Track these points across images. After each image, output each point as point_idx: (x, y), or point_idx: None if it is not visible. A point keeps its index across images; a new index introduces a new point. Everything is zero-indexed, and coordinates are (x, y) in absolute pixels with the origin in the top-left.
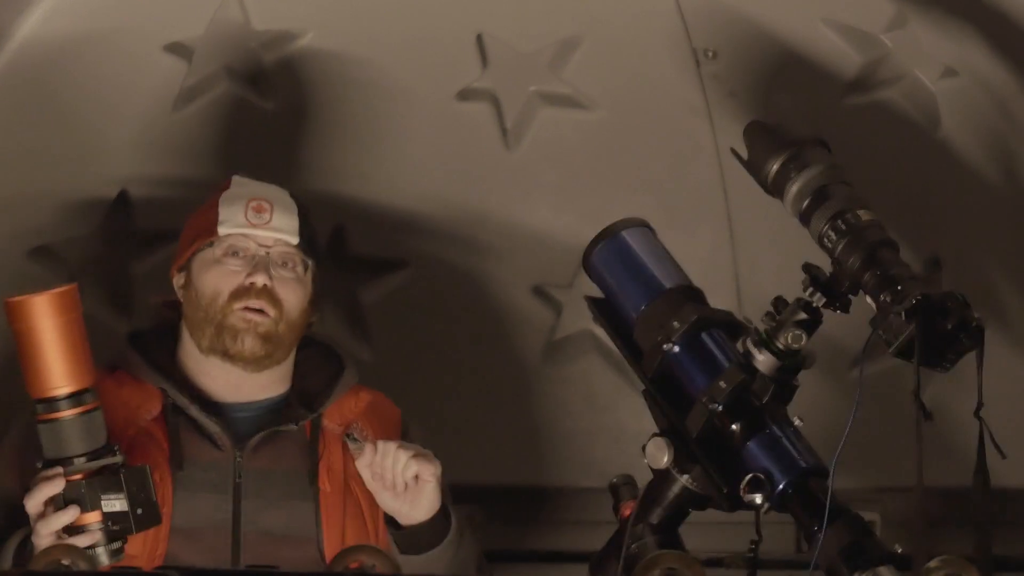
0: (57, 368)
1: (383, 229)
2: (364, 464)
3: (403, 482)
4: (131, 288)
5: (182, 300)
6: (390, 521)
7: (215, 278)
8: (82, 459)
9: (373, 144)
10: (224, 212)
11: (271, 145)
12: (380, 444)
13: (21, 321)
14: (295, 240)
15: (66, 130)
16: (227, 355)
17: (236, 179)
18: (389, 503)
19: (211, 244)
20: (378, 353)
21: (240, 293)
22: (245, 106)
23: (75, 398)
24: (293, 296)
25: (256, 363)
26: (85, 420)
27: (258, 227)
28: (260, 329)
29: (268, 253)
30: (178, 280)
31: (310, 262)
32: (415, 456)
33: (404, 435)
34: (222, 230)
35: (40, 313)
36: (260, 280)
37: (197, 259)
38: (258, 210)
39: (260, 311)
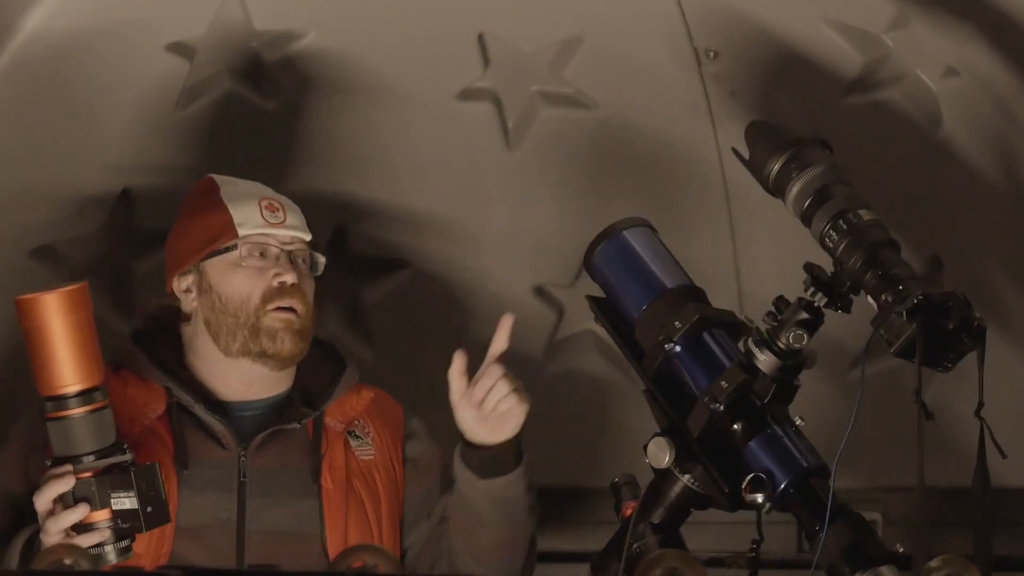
0: (67, 366)
1: (384, 229)
2: (458, 373)
3: (492, 410)
4: (133, 287)
5: (193, 304)
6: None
7: (242, 281)
8: (91, 457)
9: (374, 144)
10: (238, 213)
11: (273, 145)
12: (489, 367)
13: (31, 319)
14: (308, 236)
15: (68, 129)
16: (264, 356)
17: (220, 178)
18: (469, 421)
19: (235, 246)
20: (379, 353)
21: (272, 294)
22: (247, 106)
23: (85, 396)
24: (311, 291)
25: (290, 360)
26: (95, 418)
27: (276, 226)
28: (296, 326)
29: (290, 251)
30: (181, 284)
31: (319, 258)
32: (515, 391)
33: (407, 432)
34: (242, 231)
35: (50, 311)
36: (290, 278)
37: (214, 262)
38: (272, 209)
39: (291, 309)
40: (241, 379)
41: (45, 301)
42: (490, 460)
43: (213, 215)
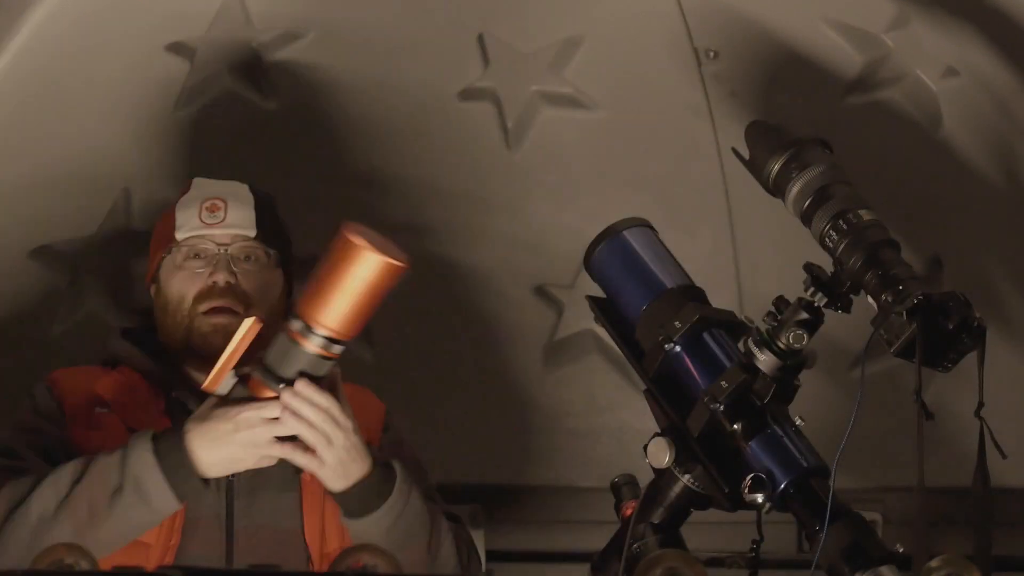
0: (339, 311)
1: (384, 229)
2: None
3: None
4: (132, 287)
5: (155, 308)
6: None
7: (179, 283)
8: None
9: (374, 143)
10: (180, 217)
11: (272, 145)
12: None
13: (353, 263)
14: (252, 232)
15: (68, 128)
16: (200, 358)
17: (196, 181)
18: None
19: (171, 251)
20: (379, 353)
21: (204, 294)
22: (247, 106)
23: (329, 342)
24: (260, 288)
25: None
26: (315, 361)
27: (213, 226)
28: (231, 330)
29: (227, 251)
30: (152, 291)
31: (272, 251)
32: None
33: (386, 429)
34: (179, 235)
35: (374, 270)
36: (222, 279)
37: (163, 268)
38: (212, 209)
39: (227, 310)
40: (205, 377)
41: (376, 261)
42: (344, 501)
43: (166, 221)
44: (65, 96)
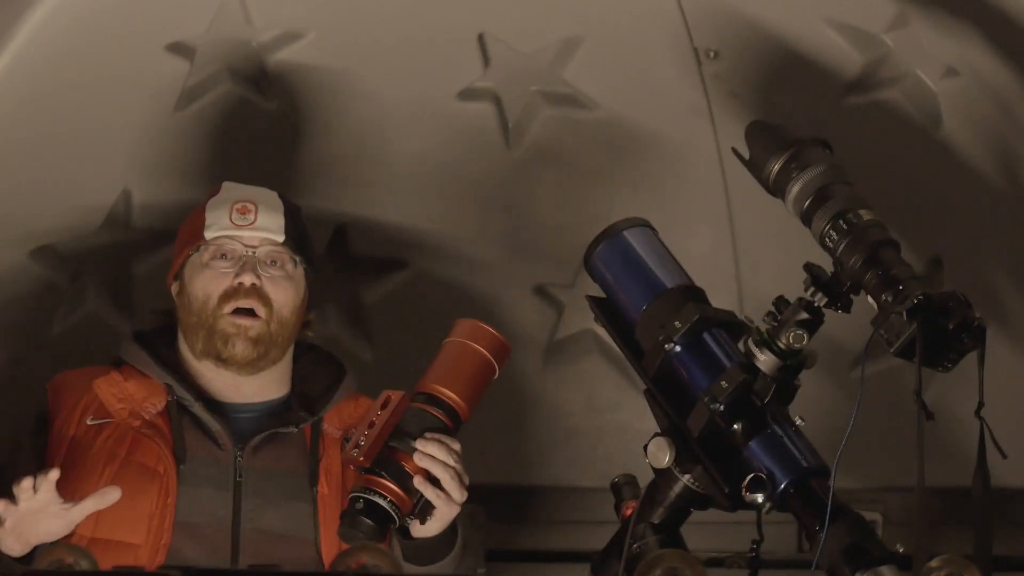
0: (462, 386)
1: (384, 229)
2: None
3: None
4: (133, 287)
5: (178, 307)
6: (400, 530)
7: (204, 282)
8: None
9: (374, 144)
10: (210, 216)
11: (273, 145)
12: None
13: (478, 342)
14: (281, 238)
15: (68, 130)
16: (220, 359)
17: (225, 184)
18: None
19: (198, 249)
20: (379, 353)
21: (230, 294)
22: (247, 106)
23: (450, 413)
24: (283, 294)
25: (249, 366)
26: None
27: (243, 228)
28: (251, 333)
29: (255, 253)
30: (174, 288)
31: (298, 259)
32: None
33: None
34: (208, 234)
35: (488, 346)
36: (248, 280)
37: (188, 265)
38: (242, 211)
39: (250, 313)
40: (223, 381)
41: (494, 339)
42: (421, 549)
43: (195, 220)
44: (65, 96)
